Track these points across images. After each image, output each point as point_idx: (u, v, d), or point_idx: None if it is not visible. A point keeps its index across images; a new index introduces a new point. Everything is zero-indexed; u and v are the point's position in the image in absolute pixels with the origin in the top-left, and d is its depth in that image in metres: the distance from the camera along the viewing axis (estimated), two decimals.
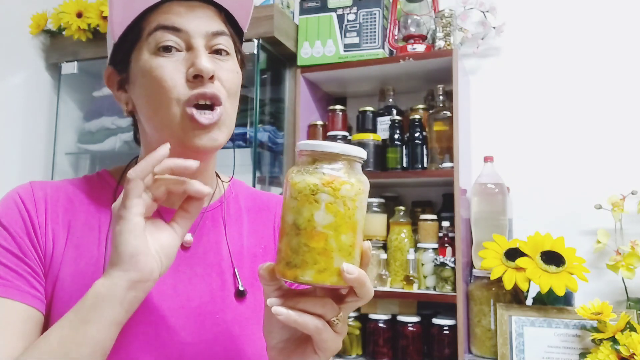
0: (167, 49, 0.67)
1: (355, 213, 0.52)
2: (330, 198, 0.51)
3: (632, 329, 1.19)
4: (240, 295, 0.73)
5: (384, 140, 1.69)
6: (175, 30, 0.67)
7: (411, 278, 1.56)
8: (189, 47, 0.68)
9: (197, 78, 0.67)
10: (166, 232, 0.60)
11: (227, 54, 0.71)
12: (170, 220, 0.61)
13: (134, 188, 0.56)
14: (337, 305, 0.54)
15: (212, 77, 0.67)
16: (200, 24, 0.69)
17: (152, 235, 0.58)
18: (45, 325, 0.66)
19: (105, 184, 0.76)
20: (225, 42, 0.71)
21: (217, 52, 0.70)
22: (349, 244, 0.52)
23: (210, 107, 0.68)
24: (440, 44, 1.70)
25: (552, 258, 1.33)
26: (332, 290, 0.54)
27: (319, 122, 1.79)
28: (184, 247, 0.74)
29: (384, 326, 1.59)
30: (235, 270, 0.75)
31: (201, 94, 0.67)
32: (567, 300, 1.37)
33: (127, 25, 0.70)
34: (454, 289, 1.48)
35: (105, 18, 1.86)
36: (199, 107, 0.67)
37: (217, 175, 0.83)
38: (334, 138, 1.73)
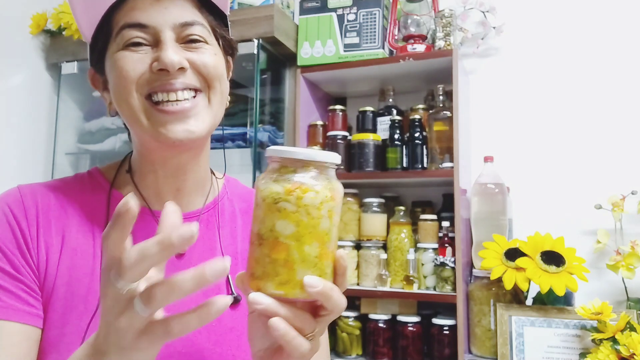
0: (135, 44, 0.65)
1: (320, 222, 0.49)
2: (292, 207, 0.48)
3: (632, 329, 1.19)
4: (234, 301, 0.72)
5: (384, 140, 1.69)
6: (141, 26, 0.64)
7: (411, 278, 1.56)
8: (157, 42, 0.65)
9: (162, 72, 0.64)
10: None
11: (204, 42, 0.67)
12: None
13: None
14: (314, 320, 0.51)
15: (182, 68, 0.64)
16: (168, 16, 0.65)
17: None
18: (41, 336, 0.65)
19: (97, 185, 0.74)
20: (199, 31, 0.67)
21: (192, 41, 0.66)
22: (314, 255, 0.49)
23: (183, 99, 0.65)
24: (440, 44, 1.69)
25: (552, 258, 1.33)
26: (307, 303, 0.52)
27: (319, 122, 1.79)
28: (178, 254, 0.72)
29: (384, 326, 1.59)
30: (229, 276, 0.73)
31: (169, 84, 0.64)
32: (567, 300, 1.37)
33: (96, 26, 0.68)
34: (454, 289, 1.48)
35: None
36: (169, 100, 0.65)
37: (212, 172, 0.81)
38: (334, 138, 1.73)
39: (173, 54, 0.63)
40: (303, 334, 0.50)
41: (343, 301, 0.50)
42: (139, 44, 0.65)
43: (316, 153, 0.50)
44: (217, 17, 0.72)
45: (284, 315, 0.49)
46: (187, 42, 0.66)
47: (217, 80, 0.68)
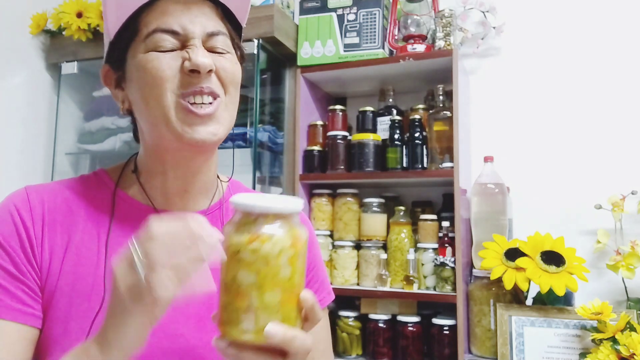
0: (164, 48, 0.67)
1: (279, 271, 0.51)
2: (251, 257, 0.50)
3: (632, 329, 1.19)
4: None
5: (384, 140, 1.69)
6: (173, 33, 0.67)
7: (411, 278, 1.56)
8: (184, 45, 0.68)
9: (193, 72, 0.66)
10: None
11: (226, 52, 0.71)
12: None
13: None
14: (279, 359, 0.53)
15: (210, 71, 0.67)
16: (197, 25, 0.68)
17: None
18: (43, 334, 0.66)
19: (103, 185, 0.75)
20: (223, 42, 0.70)
21: (215, 52, 0.70)
22: (276, 302, 0.51)
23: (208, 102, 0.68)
24: (440, 44, 1.69)
25: (552, 258, 1.33)
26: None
27: (319, 122, 1.79)
28: None
29: (384, 326, 1.59)
30: None
31: (198, 90, 0.66)
32: (567, 300, 1.37)
33: (122, 23, 0.69)
34: (454, 289, 1.48)
35: None
36: (194, 103, 0.67)
37: (217, 175, 0.82)
38: (334, 138, 1.73)
39: (204, 56, 0.66)
40: None
41: (306, 345, 0.53)
42: (168, 49, 0.67)
43: (276, 203, 0.52)
44: (235, 28, 0.75)
45: (245, 359, 0.52)
46: (212, 51, 0.69)
47: (233, 87, 0.71)
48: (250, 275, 0.50)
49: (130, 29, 0.69)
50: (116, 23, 0.70)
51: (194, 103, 0.67)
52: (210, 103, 0.68)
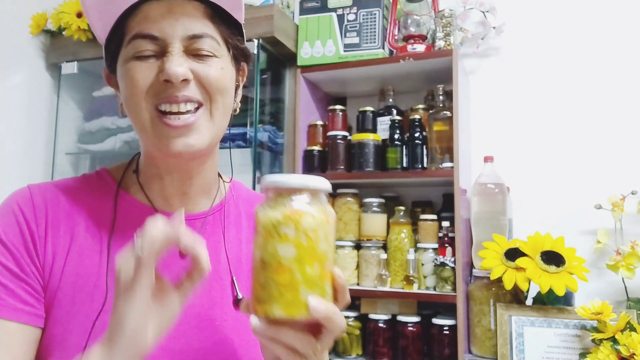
0: (144, 56, 0.66)
1: (318, 244, 0.52)
2: (291, 231, 0.51)
3: (632, 329, 1.19)
4: (238, 303, 0.73)
5: (384, 140, 1.69)
6: (151, 37, 0.65)
7: (411, 278, 1.56)
8: (164, 52, 0.66)
9: (167, 82, 0.65)
10: (170, 299, 0.57)
11: (212, 56, 0.68)
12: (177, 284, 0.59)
13: (150, 266, 0.53)
14: (313, 340, 0.53)
15: (185, 80, 0.65)
16: (178, 28, 0.65)
17: (156, 303, 0.55)
18: (44, 334, 0.66)
19: (105, 185, 0.75)
20: (208, 44, 0.67)
21: (199, 55, 0.67)
22: (316, 276, 0.52)
23: (185, 110, 0.66)
24: (440, 44, 1.69)
25: (552, 258, 1.33)
26: (309, 322, 0.53)
27: (319, 122, 1.79)
28: (182, 254, 0.73)
29: (384, 326, 1.59)
30: (234, 277, 0.75)
31: (173, 97, 0.65)
32: (567, 300, 1.37)
33: (110, 29, 0.69)
34: (454, 289, 1.48)
35: None
36: (172, 112, 0.66)
37: (220, 176, 0.82)
38: (334, 138, 1.73)
39: (177, 65, 0.64)
40: (303, 354, 0.53)
41: (343, 323, 0.53)
42: (147, 56, 0.66)
43: (309, 180, 0.53)
44: (231, 26, 0.72)
45: (283, 340, 0.52)
46: (195, 54, 0.67)
47: (219, 94, 0.68)
48: (291, 249, 0.51)
49: (117, 35, 0.68)
50: (103, 30, 0.69)
51: (170, 112, 0.65)
52: (191, 111, 0.66)
